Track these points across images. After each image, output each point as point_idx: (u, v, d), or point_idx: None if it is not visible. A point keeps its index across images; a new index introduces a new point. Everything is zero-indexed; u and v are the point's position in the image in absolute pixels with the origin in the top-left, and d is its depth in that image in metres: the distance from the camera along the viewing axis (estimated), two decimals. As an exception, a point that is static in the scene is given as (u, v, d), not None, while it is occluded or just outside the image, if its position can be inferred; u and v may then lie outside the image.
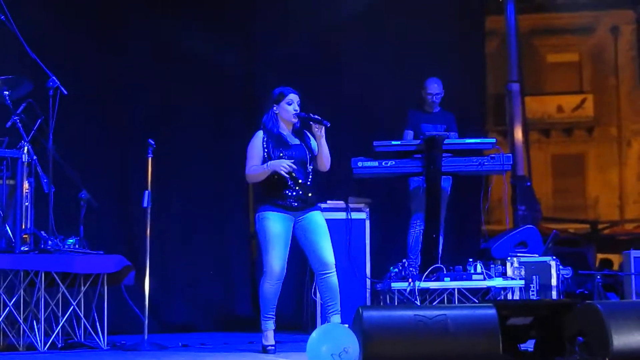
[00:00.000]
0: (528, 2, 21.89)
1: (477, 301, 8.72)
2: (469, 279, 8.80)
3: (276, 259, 7.13)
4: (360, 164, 9.05)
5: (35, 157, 7.81)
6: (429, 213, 9.05)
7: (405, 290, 8.54)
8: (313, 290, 8.77)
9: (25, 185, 7.72)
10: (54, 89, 7.85)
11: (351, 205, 9.10)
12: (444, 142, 9.00)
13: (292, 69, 10.19)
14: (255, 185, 7.58)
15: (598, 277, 10.25)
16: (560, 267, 9.16)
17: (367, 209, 9.12)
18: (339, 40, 10.90)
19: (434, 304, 8.65)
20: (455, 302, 8.70)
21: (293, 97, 7.38)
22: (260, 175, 7.24)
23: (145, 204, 7.83)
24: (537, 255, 9.32)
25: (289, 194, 7.20)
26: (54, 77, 7.88)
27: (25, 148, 7.71)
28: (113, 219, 9.85)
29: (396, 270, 8.80)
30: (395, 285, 8.61)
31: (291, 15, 10.72)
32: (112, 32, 10.20)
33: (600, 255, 15.52)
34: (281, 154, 7.21)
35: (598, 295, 10.08)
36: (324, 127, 7.20)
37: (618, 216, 26.68)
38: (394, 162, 9.06)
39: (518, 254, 9.23)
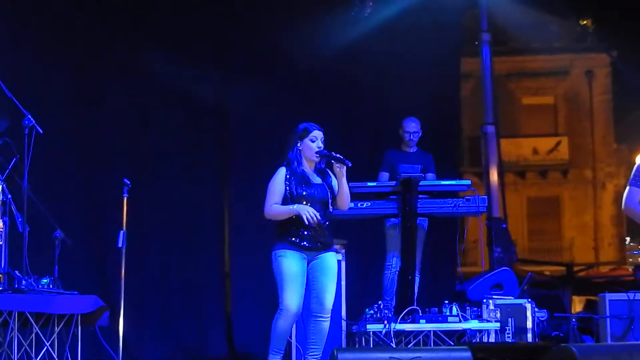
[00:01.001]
0: (503, 45, 22.11)
1: (452, 344, 8.69)
2: (445, 321, 8.76)
3: (293, 298, 7.03)
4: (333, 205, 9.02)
5: (9, 196, 7.77)
6: (404, 254, 9.04)
7: (380, 332, 8.50)
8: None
9: (0, 224, 7.67)
10: (30, 127, 7.81)
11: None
12: (420, 183, 9.01)
13: (267, 107, 10.22)
14: (272, 222, 7.38)
15: (573, 320, 10.26)
16: (536, 309, 9.15)
17: (343, 250, 9.08)
18: (315, 79, 10.94)
19: (409, 346, 8.62)
20: (430, 345, 8.66)
21: (317, 133, 7.26)
22: (282, 215, 7.11)
23: (120, 244, 7.79)
24: (512, 298, 9.30)
25: (307, 234, 7.09)
26: (29, 116, 7.85)
27: (0, 187, 7.67)
28: (87, 259, 9.81)
29: (372, 311, 8.76)
30: (371, 327, 8.57)
31: (270, 52, 10.74)
32: (89, 71, 10.20)
33: (583, 297, 15.54)
34: (304, 193, 7.10)
35: (573, 338, 10.08)
36: (345, 167, 7.09)
37: (593, 258, 26.80)
38: (369, 204, 9.06)
39: (494, 296, 9.20)
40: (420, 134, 9.76)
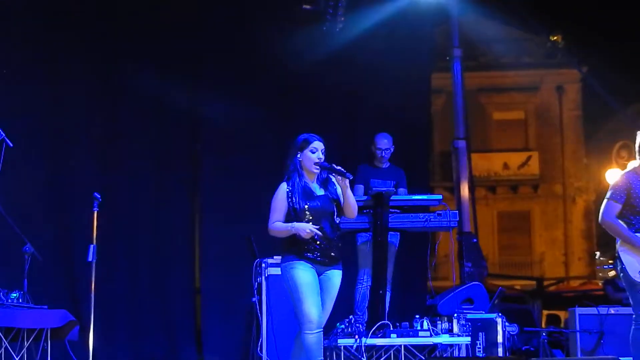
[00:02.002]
0: (474, 61, 22.21)
1: (423, 358, 8.69)
2: (416, 335, 8.77)
3: (313, 307, 6.79)
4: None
5: (-22, 210, 7.73)
6: (375, 268, 9.05)
7: (351, 346, 8.50)
8: (260, 345, 8.70)
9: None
10: (0, 141, 7.78)
11: (298, 261, 9.04)
12: (391, 198, 9.02)
13: (239, 120, 10.22)
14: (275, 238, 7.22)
15: (544, 334, 10.30)
16: (506, 324, 9.16)
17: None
18: (287, 93, 10.94)
19: (380, 360, 8.63)
20: (401, 359, 8.67)
21: (317, 144, 7.09)
22: (282, 233, 6.89)
23: (90, 258, 7.75)
24: (483, 312, 9.33)
25: (316, 247, 6.90)
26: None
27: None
28: (57, 273, 9.75)
29: (343, 326, 8.75)
30: (342, 341, 8.56)
31: (242, 64, 10.74)
32: (61, 86, 10.16)
33: (546, 312, 15.60)
34: (306, 206, 6.88)
35: (544, 352, 10.11)
36: (347, 179, 6.93)
37: (564, 273, 26.91)
38: (341, 218, 9.05)
39: (464, 311, 9.23)
40: (392, 149, 9.78)
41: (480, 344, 9.01)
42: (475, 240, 12.48)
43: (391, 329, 8.72)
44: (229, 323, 9.90)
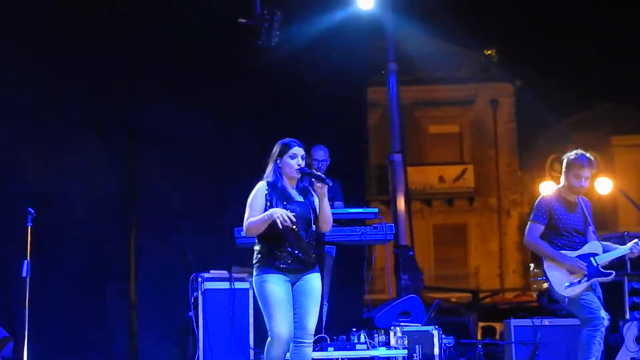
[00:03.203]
0: (410, 75, 22.33)
1: (360, 371, 8.71)
2: (353, 348, 8.79)
3: (283, 324, 6.67)
4: (243, 233, 9.01)
5: None
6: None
7: (288, 360, 8.49)
8: (197, 356, 8.66)
9: None
10: None
11: (235, 275, 9.01)
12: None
13: (176, 133, 10.19)
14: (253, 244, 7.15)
15: (479, 346, 10.37)
16: (443, 336, 9.22)
17: (250, 279, 9.03)
18: (224, 104, 10.91)
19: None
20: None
21: (298, 150, 6.95)
22: (259, 227, 6.73)
23: (24, 274, 7.65)
24: (419, 325, 9.37)
25: (290, 254, 6.77)
26: None
27: None
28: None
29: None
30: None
31: (179, 76, 10.70)
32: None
33: (482, 324, 15.74)
34: (284, 209, 6.70)
35: (479, 364, 10.18)
36: (326, 186, 6.79)
37: (499, 285, 27.15)
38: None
39: (401, 324, 9.26)
40: (329, 162, 9.79)
41: (417, 357, 9.06)
42: (411, 253, 12.55)
43: (328, 342, 8.73)
44: (165, 338, 9.83)
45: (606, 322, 7.92)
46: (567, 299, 8.01)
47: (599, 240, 8.22)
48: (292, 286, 6.84)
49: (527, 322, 9.97)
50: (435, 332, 9.17)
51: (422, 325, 9.36)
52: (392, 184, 13.27)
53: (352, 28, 11.75)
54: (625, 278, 10.64)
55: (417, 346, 9.07)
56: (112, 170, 10.48)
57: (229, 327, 8.80)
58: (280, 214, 6.61)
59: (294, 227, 6.72)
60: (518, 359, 9.83)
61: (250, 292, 8.97)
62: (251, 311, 8.99)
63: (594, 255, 8.09)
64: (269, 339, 6.75)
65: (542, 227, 8.12)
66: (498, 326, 12.57)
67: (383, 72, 13.38)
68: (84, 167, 10.33)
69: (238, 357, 8.83)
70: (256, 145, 10.76)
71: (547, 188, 19.63)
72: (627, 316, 10.38)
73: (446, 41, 23.73)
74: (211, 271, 8.95)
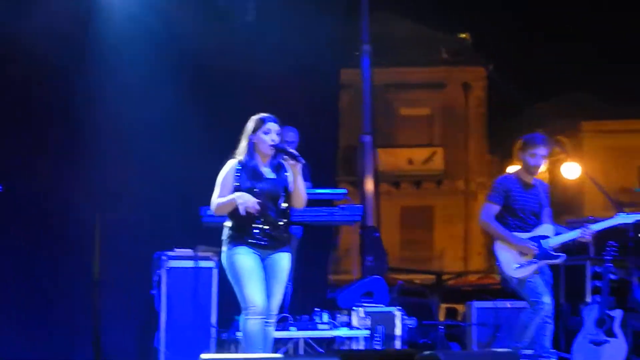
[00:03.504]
0: (383, 57, 22.33)
1: (322, 351, 8.78)
2: (315, 328, 8.85)
3: (257, 293, 6.64)
4: (209, 212, 9.05)
5: None
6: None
7: (251, 339, 8.52)
8: (158, 338, 8.67)
9: None
10: None
11: (199, 254, 9.01)
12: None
13: (142, 117, 10.17)
14: (223, 221, 7.11)
15: (441, 327, 10.47)
16: (405, 317, 9.31)
17: (216, 258, 9.04)
18: (195, 83, 10.88)
19: (279, 353, 8.66)
20: (301, 352, 8.74)
21: (272, 126, 6.91)
22: (225, 207, 6.75)
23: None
24: (382, 306, 9.43)
25: (258, 231, 6.76)
26: None
27: None
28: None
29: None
30: (241, 334, 8.59)
31: (151, 68, 10.67)
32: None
33: (444, 305, 15.83)
34: (254, 188, 6.74)
35: (441, 345, 10.28)
36: (299, 164, 6.77)
37: (463, 267, 27.28)
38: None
39: (364, 304, 9.32)
40: (297, 142, 9.81)
41: (379, 337, 9.13)
42: (377, 234, 12.60)
43: (291, 321, 8.78)
44: (128, 316, 9.81)
45: (548, 308, 8.06)
46: (515, 280, 8.16)
47: (553, 223, 8.35)
48: (262, 263, 6.83)
49: (488, 304, 10.09)
50: (398, 313, 9.24)
51: (385, 306, 9.43)
52: (361, 165, 13.32)
53: (327, 8, 11.73)
54: (588, 262, 10.78)
55: (379, 327, 9.15)
56: (76, 146, 10.38)
57: (192, 306, 8.79)
58: (244, 201, 6.62)
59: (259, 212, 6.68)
60: (479, 341, 9.93)
61: (215, 271, 8.96)
62: (214, 290, 8.99)
63: (545, 237, 8.23)
64: (242, 315, 6.75)
65: (497, 208, 8.26)
66: (461, 308, 12.66)
67: (357, 53, 13.38)
68: (47, 137, 10.22)
69: (200, 335, 8.83)
70: (226, 125, 10.77)
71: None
72: (589, 300, 10.52)
73: (420, 24, 23.84)
74: (175, 249, 8.96)
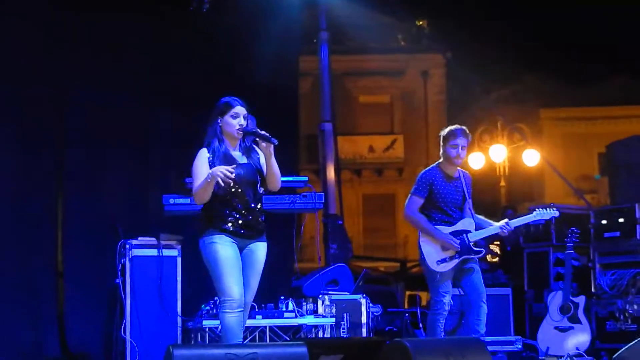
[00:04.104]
0: (341, 44, 22.34)
1: (288, 339, 8.75)
2: (281, 316, 8.84)
3: (234, 285, 6.57)
4: (172, 200, 8.99)
5: None
6: (241, 250, 9.04)
7: (216, 328, 8.48)
8: (123, 327, 8.60)
9: None
10: None
11: (163, 242, 8.94)
12: (257, 179, 9.01)
13: (105, 109, 10.08)
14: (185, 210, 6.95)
15: (406, 314, 10.47)
16: (370, 305, 9.30)
17: (179, 246, 9.00)
18: (155, 74, 10.78)
19: (245, 342, 8.63)
20: (266, 340, 8.70)
21: (240, 109, 6.78)
22: (205, 190, 6.53)
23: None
24: (348, 293, 9.44)
25: (237, 219, 6.67)
26: None
27: None
28: None
29: (208, 308, 8.74)
30: (207, 323, 8.55)
31: (110, 46, 10.54)
32: None
33: (409, 292, 15.86)
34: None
35: (406, 332, 10.28)
36: (272, 145, 6.68)
37: (426, 254, 27.34)
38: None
39: (329, 292, 9.32)
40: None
41: (344, 325, 9.13)
42: (340, 222, 12.61)
43: (256, 310, 8.74)
44: (93, 306, 9.74)
45: (447, 308, 8.26)
46: (438, 275, 8.20)
47: (473, 216, 8.40)
48: (240, 252, 6.76)
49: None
50: (363, 301, 9.25)
51: (350, 294, 9.43)
52: (322, 153, 13.30)
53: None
54: (551, 249, 10.83)
55: (344, 314, 9.15)
56: (40, 138, 10.30)
57: (156, 295, 8.76)
58: (219, 171, 6.47)
59: (233, 180, 6.52)
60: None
61: (179, 259, 8.94)
62: (179, 278, 8.96)
63: (467, 232, 8.28)
64: (220, 308, 6.69)
65: (421, 201, 8.31)
66: (425, 295, 12.66)
67: (315, 40, 13.35)
68: (9, 125, 10.11)
69: (166, 324, 8.79)
70: (185, 113, 10.69)
71: (476, 160, 19.90)
72: (551, 286, 10.56)
73: (378, 11, 23.75)
74: (139, 238, 8.89)
